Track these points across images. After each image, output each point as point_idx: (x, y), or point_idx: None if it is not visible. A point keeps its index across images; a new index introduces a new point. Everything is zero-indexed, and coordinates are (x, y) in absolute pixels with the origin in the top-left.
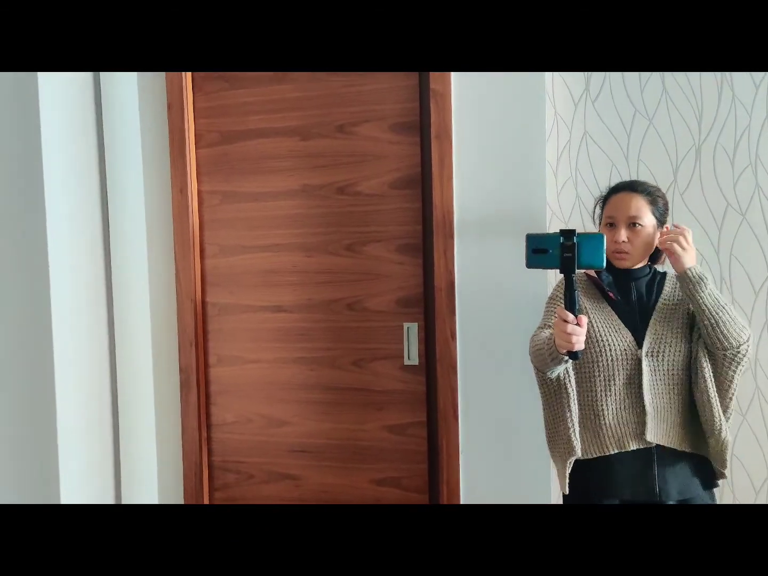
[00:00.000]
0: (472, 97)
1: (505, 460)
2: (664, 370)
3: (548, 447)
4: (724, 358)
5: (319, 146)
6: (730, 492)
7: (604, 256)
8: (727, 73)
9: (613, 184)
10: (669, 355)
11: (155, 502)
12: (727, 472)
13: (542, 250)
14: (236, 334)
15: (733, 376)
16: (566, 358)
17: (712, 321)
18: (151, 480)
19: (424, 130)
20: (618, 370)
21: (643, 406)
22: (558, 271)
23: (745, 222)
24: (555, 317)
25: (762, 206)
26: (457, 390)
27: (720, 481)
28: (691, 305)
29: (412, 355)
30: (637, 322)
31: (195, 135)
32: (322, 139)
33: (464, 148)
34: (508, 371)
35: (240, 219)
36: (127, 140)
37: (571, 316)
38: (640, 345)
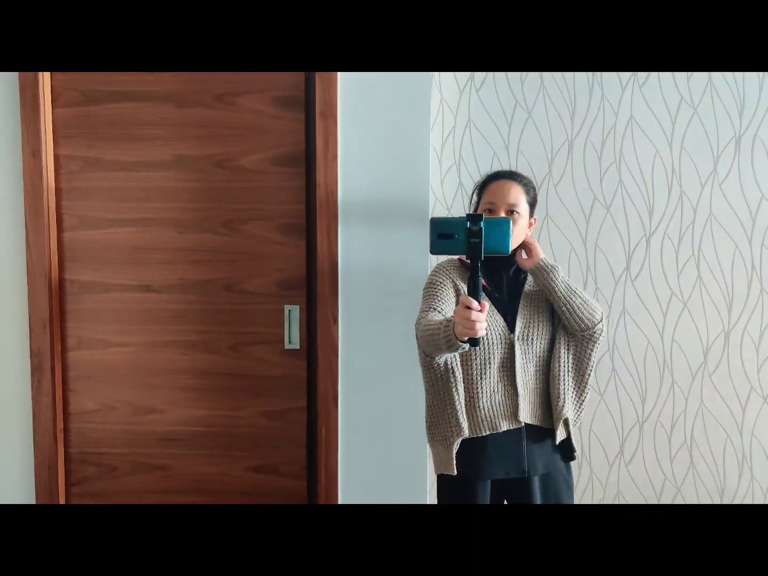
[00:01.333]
0: (359, 77)
1: (384, 444)
2: (533, 352)
3: (428, 431)
4: (582, 338)
5: (196, 115)
6: (587, 465)
7: (510, 241)
8: (598, 73)
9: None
10: (537, 339)
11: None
12: (584, 446)
13: (448, 235)
14: (99, 315)
15: (591, 354)
16: (464, 345)
17: (568, 306)
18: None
19: (310, 107)
20: (493, 354)
21: (516, 388)
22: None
23: (609, 215)
24: (442, 300)
25: (624, 201)
26: (337, 374)
27: (578, 455)
28: (547, 294)
29: (293, 338)
30: (507, 307)
31: (51, 92)
32: (199, 107)
33: (349, 129)
34: (389, 356)
35: (104, 189)
36: None
37: (475, 303)
38: (512, 330)
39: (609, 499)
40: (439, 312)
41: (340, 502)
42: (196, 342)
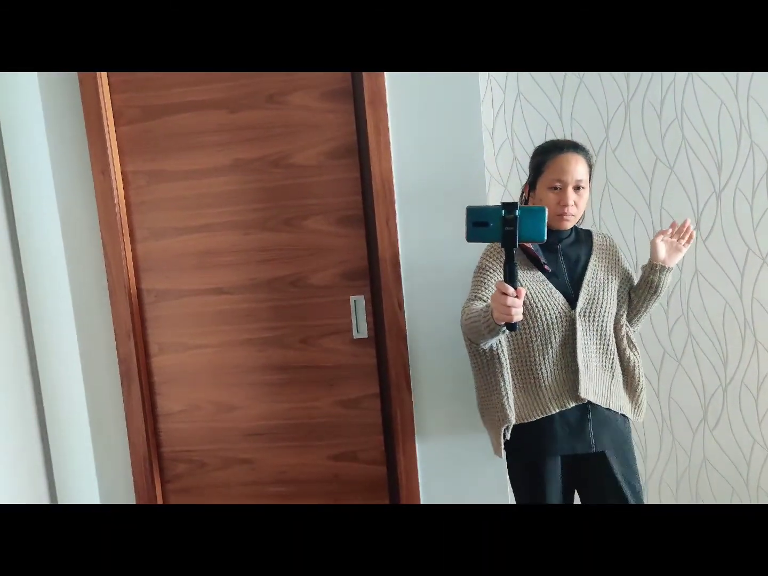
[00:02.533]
0: None
1: (460, 426)
2: (594, 329)
3: (480, 414)
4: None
5: (249, 118)
6: (669, 433)
7: (545, 229)
8: None
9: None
10: (600, 316)
11: (96, 499)
12: (663, 413)
13: (483, 223)
14: (176, 321)
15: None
16: (503, 329)
17: (649, 304)
18: (90, 477)
19: (358, 97)
20: (554, 333)
21: (577, 365)
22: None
23: (673, 175)
24: (487, 288)
25: (689, 159)
26: (407, 360)
27: (660, 423)
28: (644, 287)
29: (360, 328)
30: (567, 283)
31: (114, 112)
32: (251, 110)
33: (400, 115)
34: (457, 339)
35: (170, 199)
36: (27, 123)
37: (511, 289)
38: (572, 306)
39: (695, 466)
40: (482, 300)
41: (420, 485)
42: (269, 338)
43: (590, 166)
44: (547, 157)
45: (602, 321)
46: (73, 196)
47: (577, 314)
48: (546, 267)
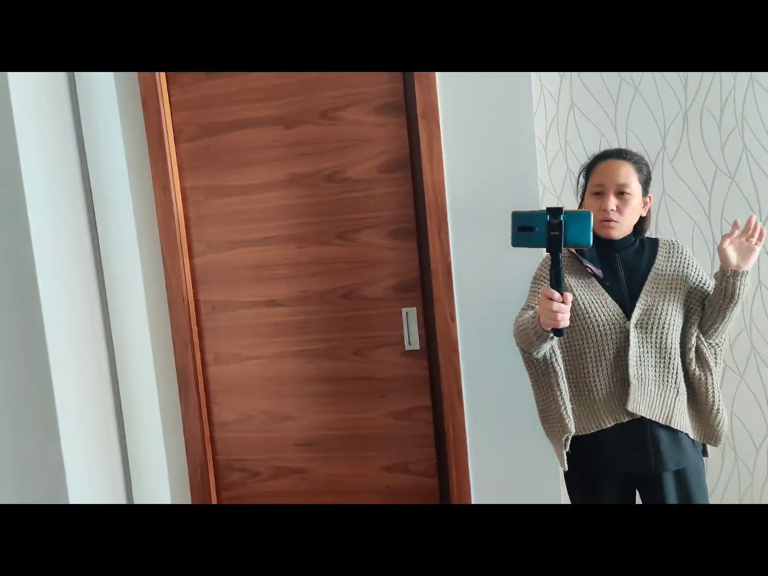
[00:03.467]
0: (457, 75)
1: (512, 439)
2: (653, 341)
3: (542, 425)
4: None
5: (304, 133)
6: (731, 450)
7: (591, 234)
8: None
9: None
10: (659, 327)
11: (168, 502)
12: (727, 429)
13: (528, 228)
14: (232, 332)
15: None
16: (551, 335)
17: (725, 315)
18: (162, 480)
19: (410, 111)
20: (607, 344)
21: (629, 378)
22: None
23: (734, 185)
24: (537, 296)
25: (750, 168)
26: (460, 372)
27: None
28: (719, 297)
29: (412, 340)
30: (624, 293)
31: (174, 129)
32: (306, 126)
33: (452, 128)
34: (510, 351)
35: (227, 214)
36: (107, 140)
37: (556, 294)
38: (628, 317)
39: (758, 486)
40: (534, 309)
41: (473, 499)
42: (321, 350)
43: (643, 174)
44: (592, 165)
45: (662, 333)
46: (142, 212)
47: (632, 325)
48: (594, 271)
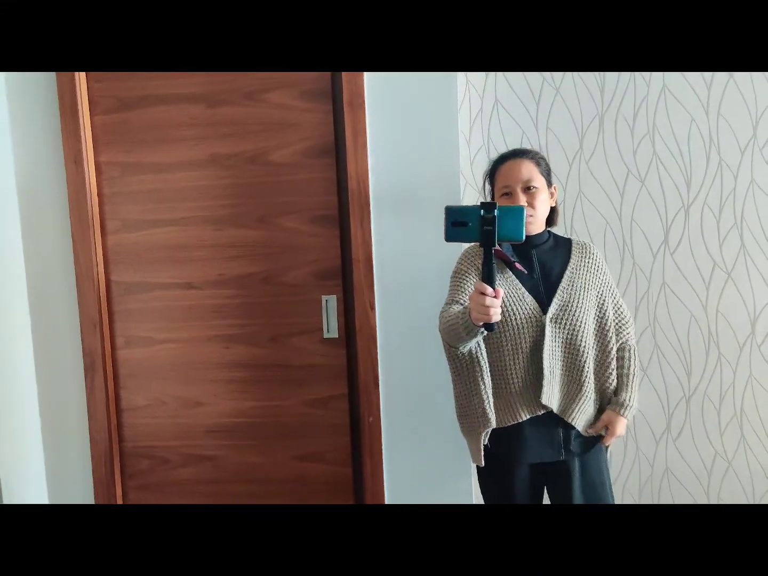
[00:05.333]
0: None
1: (428, 429)
2: (563, 337)
3: (459, 421)
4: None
5: (227, 114)
6: (633, 442)
7: (524, 229)
8: None
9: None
10: (571, 324)
11: (45, 499)
12: (628, 423)
13: (462, 223)
14: (145, 314)
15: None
16: (482, 330)
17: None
18: (38, 475)
19: (336, 98)
20: (524, 338)
21: (543, 371)
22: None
23: (644, 188)
24: (464, 292)
25: (659, 173)
26: (377, 361)
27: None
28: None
29: (331, 328)
30: (540, 289)
31: (89, 101)
32: (229, 106)
33: (377, 117)
34: (427, 341)
35: (143, 192)
36: (7, 109)
37: (489, 289)
38: (544, 311)
39: (657, 476)
40: (459, 304)
41: (385, 488)
42: (237, 335)
43: (542, 167)
44: (494, 170)
45: (573, 329)
46: (40, 183)
47: (547, 319)
48: (517, 265)
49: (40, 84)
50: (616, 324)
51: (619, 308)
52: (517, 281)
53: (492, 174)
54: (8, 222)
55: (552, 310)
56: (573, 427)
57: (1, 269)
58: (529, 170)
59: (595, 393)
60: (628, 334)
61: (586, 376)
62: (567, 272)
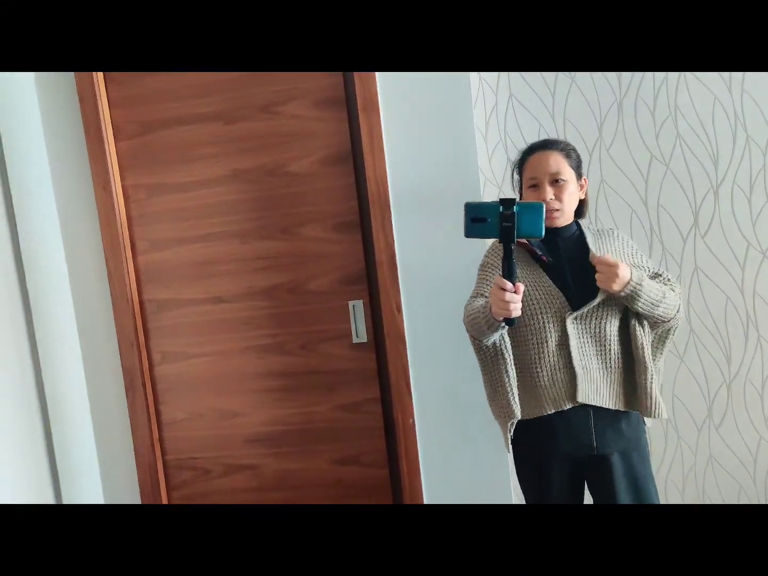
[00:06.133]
0: None
1: (461, 428)
2: (592, 332)
3: (489, 405)
4: (659, 327)
5: (245, 129)
6: (674, 431)
7: (543, 225)
8: None
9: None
10: (597, 318)
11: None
12: (669, 411)
13: (481, 219)
14: (178, 330)
15: (665, 339)
16: (503, 324)
17: (651, 319)
18: (96, 485)
19: (350, 104)
20: (549, 332)
21: (573, 368)
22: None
23: (669, 171)
24: (489, 285)
25: (684, 155)
26: (407, 363)
27: (664, 422)
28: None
29: (359, 332)
30: (569, 282)
31: (113, 127)
32: (246, 121)
33: (392, 120)
34: (456, 339)
35: (169, 211)
36: (28, 138)
37: (509, 285)
38: (572, 306)
39: (701, 465)
40: (484, 297)
41: (423, 488)
42: (268, 345)
43: (572, 159)
44: (522, 160)
45: (600, 322)
46: (75, 211)
47: (571, 316)
48: (543, 258)
49: (67, 116)
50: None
51: (666, 277)
52: (544, 275)
53: (521, 165)
54: (54, 251)
55: (574, 306)
56: (607, 420)
57: (47, 296)
58: (557, 162)
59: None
60: (675, 288)
61: (620, 363)
62: (588, 265)
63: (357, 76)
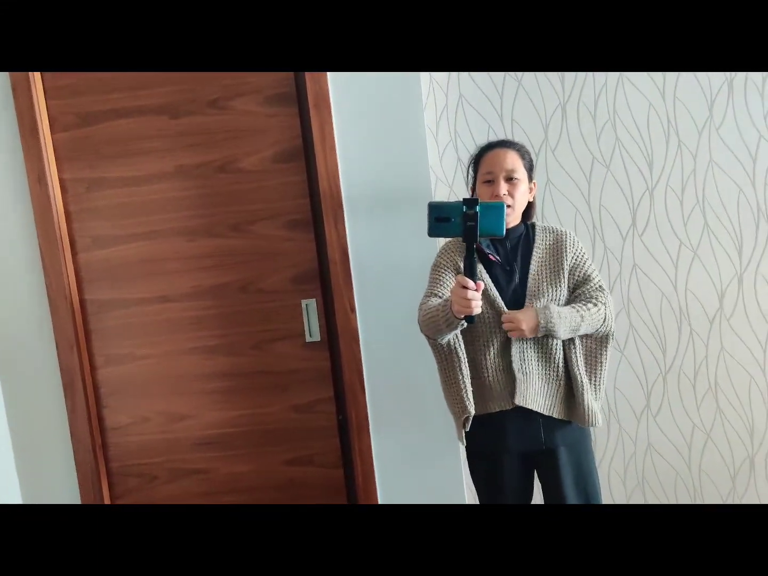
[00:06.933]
0: None
1: (416, 425)
2: (534, 338)
3: (445, 400)
4: (594, 340)
5: (192, 124)
6: (615, 421)
7: (504, 224)
8: None
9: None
10: None
11: None
12: (609, 402)
13: (445, 218)
14: (122, 331)
15: (602, 353)
16: (462, 322)
17: (576, 339)
18: (14, 493)
19: (302, 101)
20: (494, 334)
21: (513, 372)
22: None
23: (610, 173)
24: (442, 285)
25: (623, 158)
26: (361, 362)
27: (606, 412)
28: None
29: (313, 331)
30: (516, 283)
31: (49, 118)
32: (193, 116)
33: (344, 117)
34: (410, 338)
35: (111, 207)
36: None
37: (471, 283)
38: (519, 306)
39: (640, 453)
40: (438, 297)
41: (378, 487)
42: (218, 346)
43: (527, 160)
44: (480, 156)
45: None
46: (5, 204)
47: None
48: (490, 256)
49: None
50: (588, 298)
51: (595, 285)
52: (489, 279)
53: (477, 160)
54: None
55: (519, 306)
56: (553, 421)
57: None
58: (513, 161)
59: (582, 377)
60: (599, 299)
61: (561, 369)
62: (531, 271)
63: (308, 73)
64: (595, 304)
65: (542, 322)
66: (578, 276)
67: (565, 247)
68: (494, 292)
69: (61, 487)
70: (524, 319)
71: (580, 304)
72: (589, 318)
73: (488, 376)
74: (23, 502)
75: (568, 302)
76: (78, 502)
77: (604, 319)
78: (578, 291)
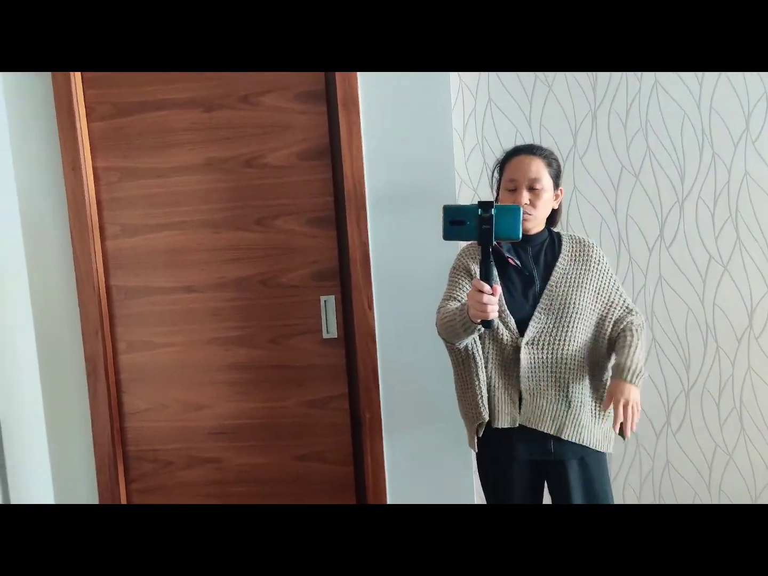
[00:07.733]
0: None
1: (428, 426)
2: (544, 357)
3: (459, 410)
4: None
5: (223, 118)
6: (633, 437)
7: (521, 228)
8: None
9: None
10: (550, 345)
11: (51, 500)
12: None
13: (459, 221)
14: (145, 318)
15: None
16: (479, 327)
17: (586, 365)
18: (45, 477)
19: (331, 100)
20: (504, 349)
21: (520, 393)
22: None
23: (638, 183)
24: (460, 288)
25: (653, 168)
26: (377, 360)
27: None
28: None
29: (330, 328)
30: (536, 290)
31: (86, 107)
32: (225, 110)
33: (372, 118)
34: (426, 338)
35: (142, 196)
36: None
37: (487, 287)
38: (522, 332)
39: (658, 470)
40: (456, 300)
41: (387, 486)
42: (237, 338)
43: (553, 168)
44: (505, 161)
45: (553, 349)
46: (40, 190)
47: (523, 342)
48: (510, 260)
49: (36, 91)
50: (617, 319)
51: (623, 303)
52: (511, 290)
53: (502, 166)
54: (10, 229)
55: (529, 333)
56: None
57: (3, 276)
58: (538, 168)
59: (592, 401)
60: (630, 321)
61: (573, 391)
62: (548, 286)
63: (338, 72)
64: (638, 330)
65: (636, 382)
66: (605, 298)
67: (590, 260)
68: (506, 313)
69: (80, 467)
70: (624, 396)
71: (628, 340)
72: (640, 345)
73: (499, 387)
74: (50, 476)
75: (592, 314)
76: (94, 483)
77: (638, 335)
78: (610, 316)
